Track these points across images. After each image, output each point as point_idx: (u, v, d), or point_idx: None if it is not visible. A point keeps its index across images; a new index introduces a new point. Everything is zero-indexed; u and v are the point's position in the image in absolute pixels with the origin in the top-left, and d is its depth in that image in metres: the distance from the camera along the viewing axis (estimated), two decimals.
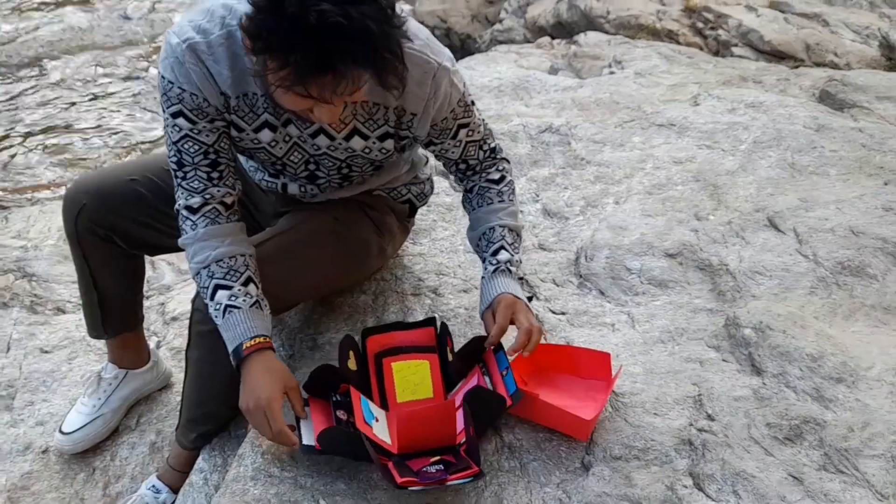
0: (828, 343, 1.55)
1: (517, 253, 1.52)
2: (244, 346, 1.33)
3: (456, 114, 1.45)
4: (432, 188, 1.76)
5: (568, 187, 2.03)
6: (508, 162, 1.60)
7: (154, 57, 3.97)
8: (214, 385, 1.52)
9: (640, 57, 2.77)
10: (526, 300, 1.46)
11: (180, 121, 1.35)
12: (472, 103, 1.50)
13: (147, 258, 1.78)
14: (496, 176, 1.57)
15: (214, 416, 1.59)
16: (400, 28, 1.15)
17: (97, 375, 1.84)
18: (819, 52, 3.05)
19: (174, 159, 1.39)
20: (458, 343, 1.51)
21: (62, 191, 3.03)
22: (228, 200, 1.42)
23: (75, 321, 2.20)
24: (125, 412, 1.88)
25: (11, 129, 3.45)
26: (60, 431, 1.81)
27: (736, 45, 3.13)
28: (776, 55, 3.03)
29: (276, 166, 1.50)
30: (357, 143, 1.43)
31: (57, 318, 2.22)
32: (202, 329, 1.47)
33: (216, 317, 1.36)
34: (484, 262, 1.52)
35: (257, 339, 1.33)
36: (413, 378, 1.42)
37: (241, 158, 1.62)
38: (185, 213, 1.40)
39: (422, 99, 1.38)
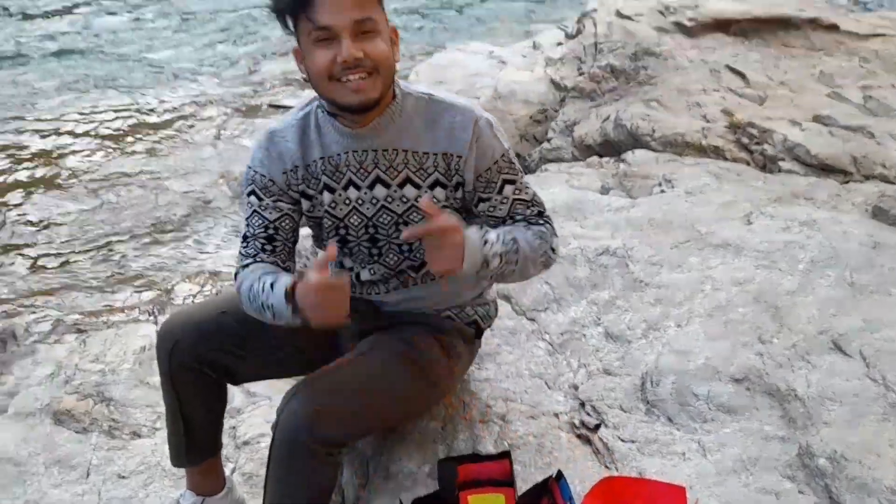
0: None
1: (504, 247, 1.50)
2: (286, 288, 1.44)
3: (500, 167, 1.57)
4: (496, 310, 1.83)
5: (628, 310, 2.08)
6: (551, 221, 1.65)
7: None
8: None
9: (688, 175, 2.85)
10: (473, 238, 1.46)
11: (252, 198, 1.61)
12: (520, 169, 1.61)
13: None
14: (541, 223, 1.62)
15: None
16: None
17: (176, 501, 1.90)
18: (867, 164, 3.10)
19: (243, 233, 1.64)
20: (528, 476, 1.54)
21: (135, 313, 3.17)
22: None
23: (151, 446, 2.27)
24: None
25: None
26: None
27: (783, 160, 3.19)
28: (824, 168, 3.08)
29: (339, 232, 1.64)
30: (410, 191, 1.57)
31: (133, 443, 2.29)
32: (283, 450, 1.53)
33: (267, 298, 1.49)
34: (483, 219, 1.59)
35: (291, 285, 1.45)
36: None
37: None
38: (238, 269, 1.62)
39: (465, 141, 1.54)
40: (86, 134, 4.85)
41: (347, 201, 1.60)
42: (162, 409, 2.33)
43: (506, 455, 1.55)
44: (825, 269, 2.16)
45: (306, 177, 1.59)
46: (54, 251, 3.79)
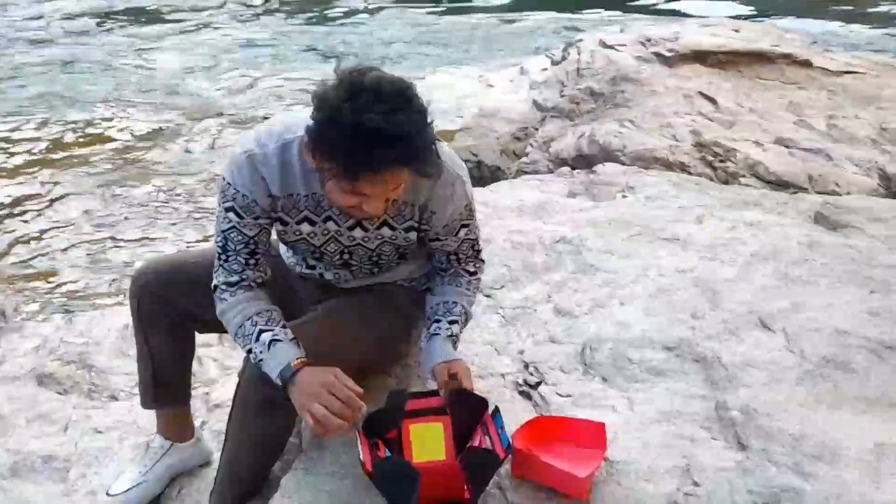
0: (810, 426, 1.69)
1: (460, 326, 1.78)
2: (293, 364, 1.54)
3: (462, 216, 1.72)
4: None
5: (578, 290, 2.24)
6: (484, 262, 1.87)
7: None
8: (252, 448, 1.71)
9: (650, 183, 3.03)
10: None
11: (231, 214, 1.63)
12: (474, 211, 1.77)
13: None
14: (472, 268, 1.84)
15: (247, 481, 1.76)
16: (431, 125, 1.43)
17: (146, 444, 2.05)
18: (821, 182, 3.29)
19: (220, 244, 1.66)
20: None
21: (121, 297, 3.32)
22: (260, 281, 1.70)
23: (128, 406, 2.41)
24: (168, 482, 2.06)
25: None
26: (107, 493, 1.99)
27: (743, 176, 3.38)
28: (781, 184, 3.27)
29: (314, 255, 1.76)
30: (386, 232, 1.70)
31: (111, 404, 2.44)
32: (245, 396, 1.67)
33: (261, 352, 1.58)
34: (438, 323, 1.76)
35: (303, 360, 1.56)
36: (428, 438, 1.59)
37: (285, 254, 1.89)
38: (223, 286, 1.67)
39: (443, 200, 1.65)
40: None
41: (326, 232, 1.69)
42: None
43: (429, 394, 1.69)
44: (763, 262, 2.33)
45: (286, 206, 1.64)
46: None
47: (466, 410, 1.62)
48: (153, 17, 8.53)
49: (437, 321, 1.78)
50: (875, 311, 2.07)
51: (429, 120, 1.42)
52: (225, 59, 6.89)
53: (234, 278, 1.67)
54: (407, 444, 1.58)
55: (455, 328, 1.76)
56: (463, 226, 1.74)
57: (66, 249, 3.87)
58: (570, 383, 1.90)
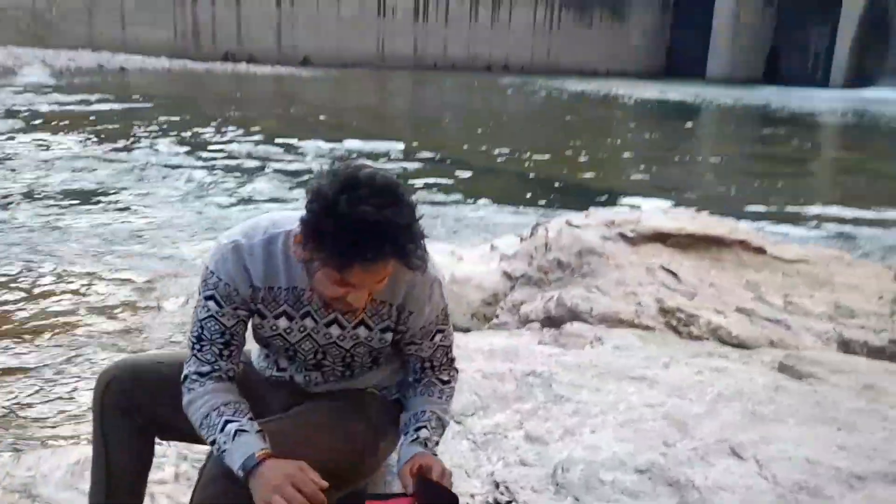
0: None
1: (436, 436, 1.75)
2: (257, 455, 1.51)
3: (439, 319, 1.76)
4: None
5: (549, 419, 2.23)
6: (457, 371, 1.88)
7: None
8: None
9: (618, 336, 3.10)
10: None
11: (210, 303, 1.64)
12: (449, 317, 1.81)
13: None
14: (445, 377, 1.85)
15: None
16: (419, 221, 1.49)
17: None
18: (782, 345, 3.37)
19: (196, 333, 1.67)
20: None
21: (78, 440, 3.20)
22: (231, 374, 1.70)
23: None
24: None
25: None
26: None
27: (707, 339, 3.46)
28: (743, 347, 3.35)
29: (288, 352, 1.76)
30: (363, 332, 1.72)
31: None
32: (203, 495, 1.61)
33: (225, 442, 1.53)
34: (406, 434, 1.75)
35: (267, 451, 1.52)
36: None
37: (255, 359, 1.89)
38: (194, 376, 1.67)
39: (421, 300, 1.70)
40: None
41: (302, 329, 1.71)
42: None
43: (410, 495, 1.64)
44: (730, 401, 2.35)
45: (266, 298, 1.67)
46: None
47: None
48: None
49: (406, 432, 1.77)
50: (843, 445, 2.08)
51: (417, 215, 1.50)
52: None
53: (206, 368, 1.67)
54: None
55: (423, 433, 1.73)
56: (439, 331, 1.77)
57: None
58: (542, 502, 1.85)
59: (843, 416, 2.26)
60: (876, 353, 3.19)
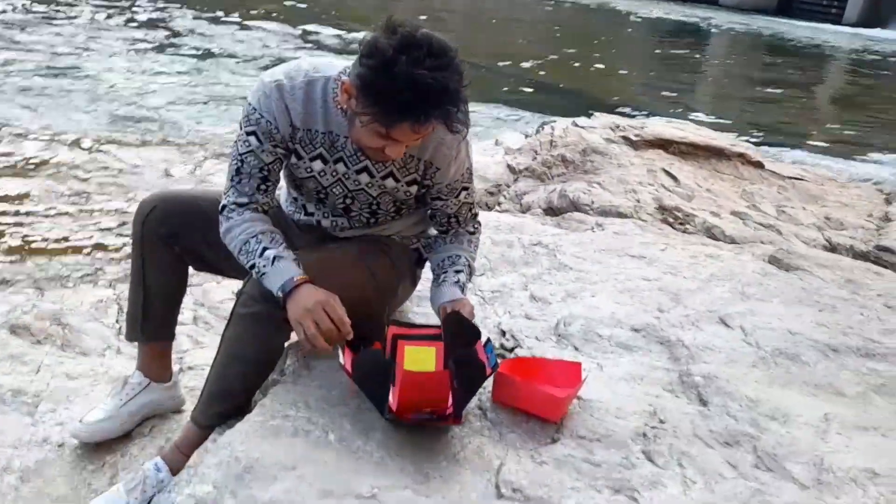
0: (765, 395, 1.83)
1: (468, 280, 1.90)
2: (296, 279, 1.63)
3: (464, 177, 1.87)
4: None
5: (552, 283, 2.38)
6: (481, 224, 2.01)
7: None
8: (243, 362, 1.75)
9: (618, 223, 3.24)
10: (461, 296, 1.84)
11: (252, 139, 1.73)
12: (472, 173, 1.91)
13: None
14: (471, 229, 1.98)
15: (235, 394, 1.79)
16: (466, 87, 1.57)
17: (124, 379, 2.07)
18: (772, 245, 3.53)
19: (235, 166, 1.76)
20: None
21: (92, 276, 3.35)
22: (266, 208, 1.80)
23: (100, 362, 2.43)
24: (141, 420, 2.07)
25: None
26: (80, 421, 2.00)
27: (701, 236, 3.61)
28: (734, 243, 3.50)
29: (319, 195, 1.87)
30: (390, 183, 1.82)
31: (83, 358, 2.45)
32: (243, 311, 1.74)
33: (265, 266, 1.66)
34: (444, 273, 1.88)
35: (304, 277, 1.64)
36: (421, 359, 1.68)
37: (284, 202, 2.00)
38: (232, 206, 1.76)
39: (448, 158, 1.80)
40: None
41: (335, 173, 1.79)
42: (112, 340, 2.54)
43: (430, 326, 1.80)
44: (721, 281, 2.51)
45: (304, 139, 1.74)
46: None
47: (461, 341, 1.71)
48: None
49: (444, 271, 1.89)
50: (822, 322, 2.25)
51: (465, 81, 1.56)
52: None
53: (244, 199, 1.76)
54: (400, 361, 1.66)
55: (461, 276, 1.87)
56: (464, 188, 1.88)
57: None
58: (545, 349, 2.01)
59: (826, 301, 2.42)
60: (860, 256, 3.35)
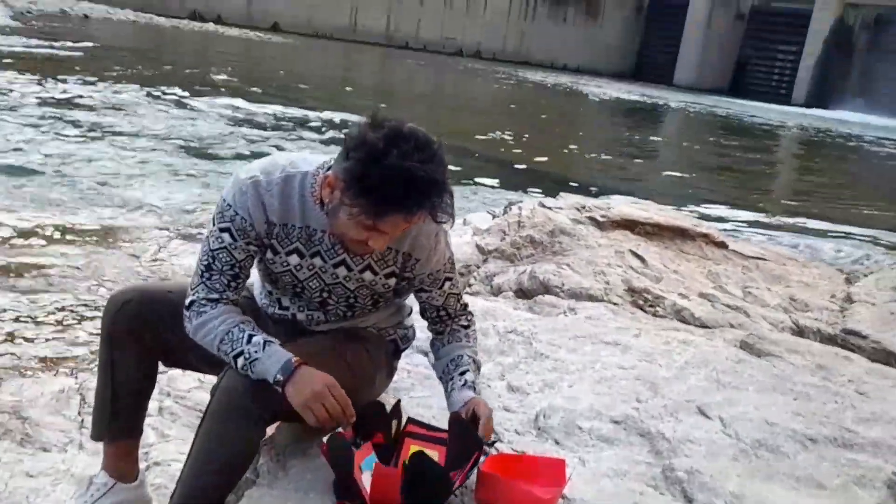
0: (748, 490, 1.81)
1: (477, 378, 1.89)
2: (293, 360, 1.63)
3: (446, 268, 1.88)
4: (414, 334, 2.10)
5: (529, 372, 2.36)
6: (473, 315, 2.00)
7: None
8: (219, 462, 1.69)
9: (590, 307, 3.25)
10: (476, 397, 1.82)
11: (225, 235, 1.73)
12: (455, 267, 1.92)
13: None
14: (465, 323, 1.97)
15: (208, 495, 1.72)
16: (450, 179, 1.60)
17: (89, 479, 1.98)
18: (742, 329, 3.56)
19: (205, 262, 1.75)
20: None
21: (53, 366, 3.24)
22: (236, 305, 1.78)
23: (62, 458, 2.33)
24: None
25: None
26: None
27: (671, 319, 3.64)
28: (705, 327, 3.53)
29: (295, 289, 1.85)
30: (368, 276, 1.81)
31: (43, 454, 2.35)
32: (220, 408, 1.69)
33: (256, 352, 1.63)
34: (451, 379, 1.86)
35: (300, 359, 1.63)
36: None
37: (258, 295, 1.98)
38: (203, 301, 1.74)
39: (427, 248, 1.81)
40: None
41: (311, 267, 1.79)
42: (74, 433, 2.46)
43: (445, 430, 1.76)
44: (696, 369, 2.51)
45: (280, 234, 1.74)
46: None
47: (459, 448, 1.67)
48: None
49: (451, 378, 1.88)
50: (798, 412, 2.26)
51: (448, 173, 1.61)
52: None
53: (214, 296, 1.74)
54: (403, 456, 1.63)
55: (468, 376, 1.85)
56: (447, 279, 1.89)
57: None
58: (525, 443, 1.98)
59: (799, 388, 2.44)
60: (828, 340, 3.39)
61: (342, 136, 1.66)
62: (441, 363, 1.92)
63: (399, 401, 1.86)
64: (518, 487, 1.58)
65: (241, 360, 1.66)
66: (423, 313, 1.97)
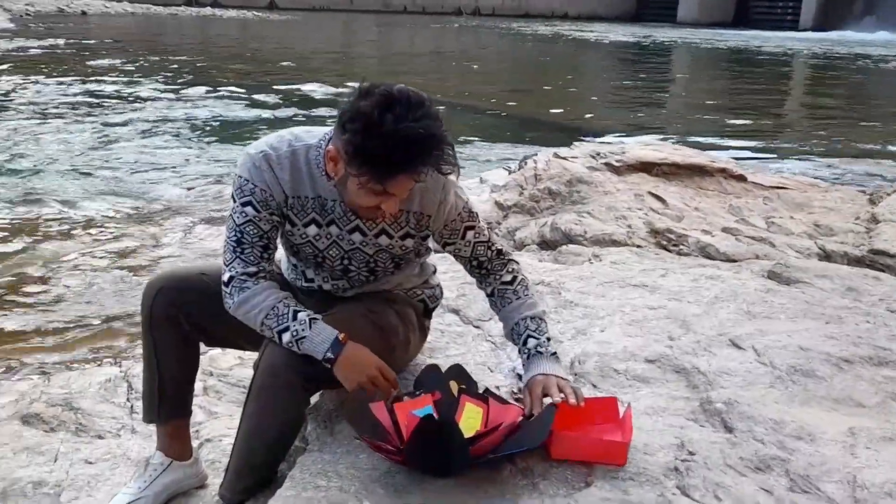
0: (787, 416, 1.83)
1: (543, 335, 1.87)
2: (340, 337, 1.69)
3: (462, 217, 1.87)
4: (442, 293, 2.13)
5: (560, 321, 2.40)
6: (517, 262, 1.98)
7: None
8: (267, 436, 1.76)
9: (614, 252, 3.27)
10: (558, 374, 1.80)
11: (248, 209, 1.76)
12: (478, 215, 1.92)
13: None
14: (508, 278, 1.95)
15: (261, 468, 1.79)
16: (447, 130, 1.62)
17: (145, 461, 2.06)
18: (768, 259, 3.57)
19: (234, 238, 1.78)
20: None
21: (99, 354, 3.32)
22: (273, 276, 1.82)
23: (116, 443, 2.41)
24: (166, 500, 2.05)
25: None
26: None
27: (696, 256, 3.65)
28: (731, 261, 3.54)
29: (316, 259, 1.88)
30: (384, 240, 1.84)
31: (99, 441, 2.43)
32: (264, 383, 1.75)
33: (302, 329, 1.69)
34: (519, 352, 1.88)
35: (345, 335, 1.69)
36: (471, 416, 1.69)
37: (285, 270, 2.01)
38: (242, 276, 1.77)
39: (435, 202, 1.82)
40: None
41: (329, 236, 1.82)
42: (125, 419, 2.53)
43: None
44: (726, 302, 2.53)
45: (295, 206, 1.78)
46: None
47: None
48: None
49: (519, 352, 1.90)
50: (831, 335, 2.27)
51: (444, 125, 1.62)
52: None
53: (252, 269, 1.77)
54: (459, 414, 1.68)
55: (530, 343, 1.86)
56: (468, 227, 1.88)
57: None
58: None
59: (830, 312, 2.45)
60: (855, 262, 3.39)
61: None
62: (506, 333, 1.94)
63: (458, 365, 1.89)
64: (595, 439, 1.63)
65: (286, 336, 1.70)
66: (465, 269, 1.98)
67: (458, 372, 1.86)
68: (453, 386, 1.76)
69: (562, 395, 1.73)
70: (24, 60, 15.34)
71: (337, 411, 1.95)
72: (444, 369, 1.89)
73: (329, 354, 1.68)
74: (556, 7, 50.11)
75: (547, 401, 1.74)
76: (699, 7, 48.40)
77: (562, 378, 1.80)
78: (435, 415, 1.62)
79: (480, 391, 1.81)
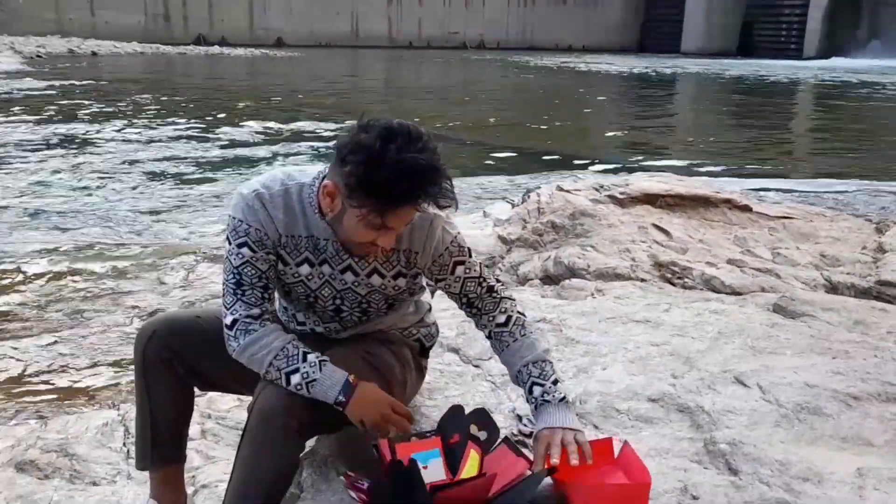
0: (794, 456, 1.79)
1: (547, 380, 1.81)
2: (350, 379, 1.68)
3: (451, 252, 1.83)
4: (437, 331, 2.10)
5: (561, 360, 2.35)
6: (511, 299, 1.94)
7: None
8: (262, 482, 1.71)
9: (618, 287, 3.23)
10: (566, 424, 1.73)
11: (244, 250, 1.74)
12: (469, 251, 1.88)
13: None
14: (502, 319, 1.90)
15: None
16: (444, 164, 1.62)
17: None
18: (774, 292, 3.52)
19: (234, 280, 1.76)
20: None
21: (95, 400, 3.29)
22: (275, 317, 1.81)
23: (111, 490, 2.36)
24: None
25: None
26: None
27: (701, 290, 3.60)
28: (736, 294, 3.49)
29: (308, 299, 1.86)
30: (376, 279, 1.82)
31: (93, 488, 2.38)
32: (258, 427, 1.70)
33: (313, 371, 1.68)
34: (527, 401, 1.83)
35: (354, 376, 1.69)
36: (472, 463, 1.68)
37: (277, 311, 1.99)
38: (247, 319, 1.75)
39: (422, 238, 1.80)
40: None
41: (321, 275, 1.81)
42: (121, 465, 2.49)
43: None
44: (730, 338, 2.49)
45: (288, 245, 1.77)
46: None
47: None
48: None
49: (526, 398, 1.83)
50: (838, 370, 2.22)
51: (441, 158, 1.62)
52: None
53: (256, 311, 1.75)
54: (465, 461, 1.67)
55: (535, 391, 1.79)
56: (457, 263, 1.84)
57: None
58: None
59: (837, 347, 2.40)
60: (862, 293, 3.34)
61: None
62: (512, 378, 1.88)
63: (483, 409, 1.86)
64: (616, 486, 1.60)
65: (296, 378, 1.68)
66: (459, 306, 1.94)
67: (480, 415, 1.82)
68: (473, 429, 1.73)
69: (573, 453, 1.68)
70: (37, 101, 15.52)
71: (333, 458, 1.92)
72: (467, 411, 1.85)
73: (341, 398, 1.67)
74: (561, 40, 50.59)
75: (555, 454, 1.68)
76: (703, 37, 48.78)
77: (569, 429, 1.73)
78: (442, 458, 1.60)
79: (500, 437, 1.77)
